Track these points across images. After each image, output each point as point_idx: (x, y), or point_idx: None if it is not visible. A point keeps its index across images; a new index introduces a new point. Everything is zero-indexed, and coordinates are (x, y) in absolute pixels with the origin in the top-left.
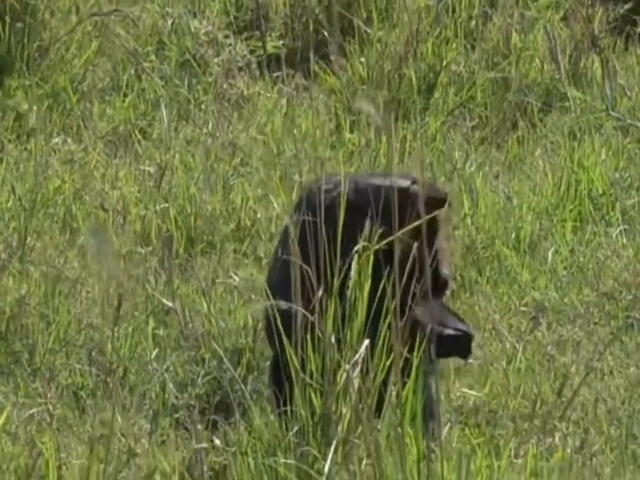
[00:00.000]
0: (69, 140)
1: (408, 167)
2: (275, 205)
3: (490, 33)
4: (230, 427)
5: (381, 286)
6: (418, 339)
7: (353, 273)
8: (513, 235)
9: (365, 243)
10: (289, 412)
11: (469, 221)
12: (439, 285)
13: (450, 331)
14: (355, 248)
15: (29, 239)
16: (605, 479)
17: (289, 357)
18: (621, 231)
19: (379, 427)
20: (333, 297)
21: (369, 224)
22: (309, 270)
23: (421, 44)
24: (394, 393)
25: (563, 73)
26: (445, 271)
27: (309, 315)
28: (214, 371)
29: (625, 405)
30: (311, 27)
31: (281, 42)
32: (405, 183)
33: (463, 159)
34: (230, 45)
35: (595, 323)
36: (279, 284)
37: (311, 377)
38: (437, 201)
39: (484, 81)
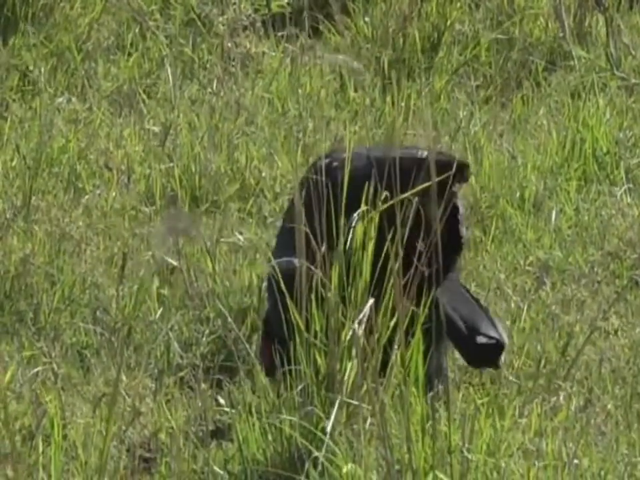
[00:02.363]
0: (74, 99)
1: (413, 126)
2: (280, 164)
3: None
4: (234, 386)
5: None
6: (423, 297)
7: (356, 232)
8: (518, 194)
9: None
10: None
11: (473, 179)
12: (458, 244)
13: (483, 340)
14: (359, 210)
15: (33, 198)
16: (609, 438)
17: (292, 315)
18: (625, 190)
19: (384, 386)
20: (337, 255)
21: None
22: (314, 232)
23: (425, 3)
24: (398, 353)
25: (568, 31)
26: (464, 231)
27: (313, 269)
28: (218, 330)
29: (629, 364)
30: None
31: (286, 1)
32: (423, 154)
33: (468, 118)
34: (235, 3)
35: (600, 282)
36: (283, 245)
37: (315, 336)
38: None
39: (488, 40)
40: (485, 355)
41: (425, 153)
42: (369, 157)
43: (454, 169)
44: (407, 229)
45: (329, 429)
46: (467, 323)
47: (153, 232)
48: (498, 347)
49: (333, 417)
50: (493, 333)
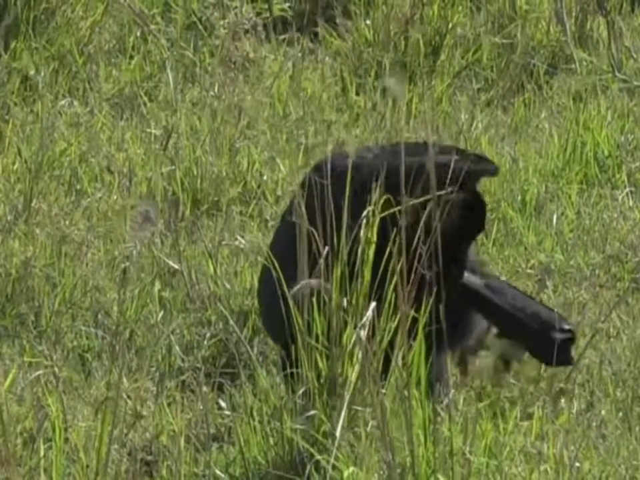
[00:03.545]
0: (75, 102)
1: (414, 129)
2: (281, 167)
3: None
4: (236, 389)
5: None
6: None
7: (362, 236)
8: (519, 197)
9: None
10: (295, 373)
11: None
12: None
13: (559, 335)
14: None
15: (34, 201)
16: (610, 441)
17: (294, 319)
18: (627, 194)
19: (385, 389)
20: (339, 259)
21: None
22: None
23: (427, 6)
24: (400, 356)
25: (569, 35)
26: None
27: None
28: (220, 333)
29: (630, 367)
30: None
31: (287, 4)
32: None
33: (469, 121)
34: (236, 7)
35: (601, 286)
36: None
37: (317, 340)
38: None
39: (490, 43)
40: (562, 352)
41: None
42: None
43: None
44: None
45: (337, 433)
46: (536, 321)
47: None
48: (572, 339)
49: (337, 421)
50: (566, 326)
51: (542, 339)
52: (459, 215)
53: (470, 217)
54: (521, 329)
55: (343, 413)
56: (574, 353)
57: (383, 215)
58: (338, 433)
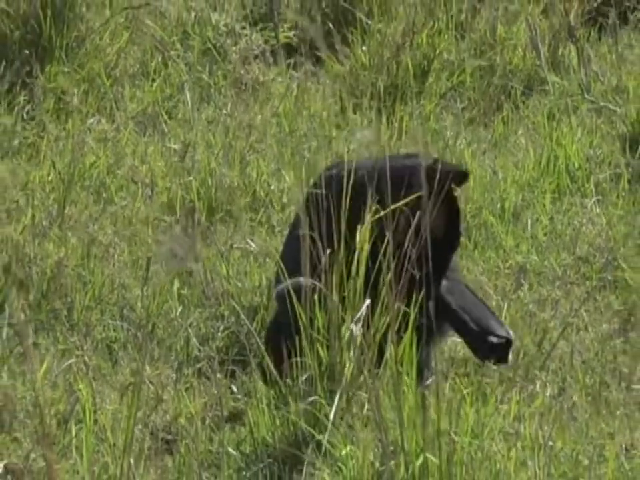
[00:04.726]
0: (103, 120)
1: (405, 144)
2: (287, 178)
3: (478, 24)
4: (246, 376)
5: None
6: (414, 297)
7: (357, 239)
8: (498, 205)
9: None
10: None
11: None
12: (457, 240)
13: (494, 339)
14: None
15: (67, 208)
16: (580, 422)
17: (298, 314)
18: (595, 202)
19: (379, 377)
20: (337, 261)
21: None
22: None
23: (417, 34)
24: (392, 347)
25: (543, 60)
26: (461, 228)
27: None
28: (232, 326)
29: (597, 357)
30: (319, 20)
31: (292, 33)
32: (429, 162)
33: (454, 137)
34: (246, 35)
35: (572, 284)
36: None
37: (318, 332)
38: (459, 175)
39: (472, 67)
40: (496, 353)
41: (429, 161)
42: (372, 167)
43: (457, 176)
44: (408, 232)
45: (331, 416)
46: (478, 323)
47: (158, 250)
48: (508, 344)
49: (335, 404)
50: (502, 332)
51: (480, 341)
52: (439, 221)
53: (448, 224)
54: (465, 329)
55: (339, 397)
56: (511, 355)
57: (374, 218)
58: (332, 415)
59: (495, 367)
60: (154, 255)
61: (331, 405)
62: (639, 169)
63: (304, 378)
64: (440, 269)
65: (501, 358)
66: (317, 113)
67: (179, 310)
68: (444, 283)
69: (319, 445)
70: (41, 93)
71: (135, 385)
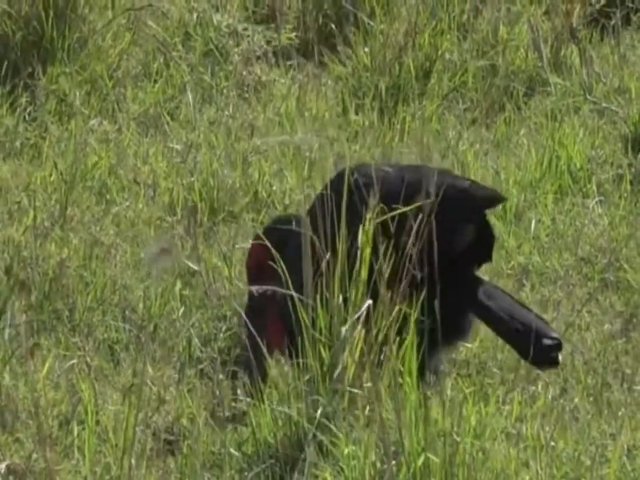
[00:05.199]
0: (105, 121)
1: (407, 145)
2: (289, 179)
3: (480, 25)
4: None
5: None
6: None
7: (359, 242)
8: (500, 206)
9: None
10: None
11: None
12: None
13: (548, 341)
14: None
15: (69, 209)
16: (582, 423)
17: (300, 315)
18: (596, 202)
19: (381, 377)
20: (339, 262)
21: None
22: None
23: (419, 35)
24: (394, 348)
25: (545, 61)
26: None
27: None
28: (234, 327)
29: (599, 357)
30: (321, 21)
31: (294, 34)
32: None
33: (456, 138)
34: (248, 36)
35: (574, 284)
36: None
37: (320, 333)
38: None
39: (475, 68)
40: (548, 355)
41: (467, 183)
42: (402, 179)
43: (493, 200)
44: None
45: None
46: (525, 327)
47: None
48: (559, 345)
49: (337, 405)
50: (553, 334)
51: (531, 344)
52: (469, 243)
53: (479, 246)
54: (512, 334)
55: (341, 398)
56: (561, 356)
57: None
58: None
59: (544, 371)
60: (144, 255)
61: (332, 405)
62: None
63: (306, 378)
64: (468, 287)
65: (552, 360)
66: (319, 114)
67: (181, 311)
68: (480, 289)
69: (320, 445)
70: (43, 94)
71: (136, 386)
